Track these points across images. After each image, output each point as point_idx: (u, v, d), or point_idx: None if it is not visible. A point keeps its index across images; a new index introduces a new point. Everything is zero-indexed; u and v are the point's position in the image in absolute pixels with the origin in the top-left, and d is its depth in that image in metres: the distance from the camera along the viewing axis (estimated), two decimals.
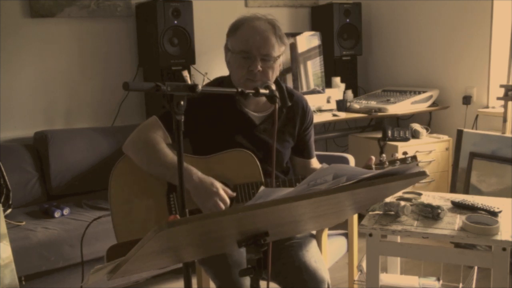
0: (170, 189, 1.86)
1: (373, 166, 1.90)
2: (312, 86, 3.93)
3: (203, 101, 1.86)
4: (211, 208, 1.76)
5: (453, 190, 3.21)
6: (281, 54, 1.88)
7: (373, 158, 1.90)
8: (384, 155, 1.95)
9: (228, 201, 1.78)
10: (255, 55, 1.82)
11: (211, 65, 3.79)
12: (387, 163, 1.90)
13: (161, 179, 1.84)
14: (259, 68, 1.82)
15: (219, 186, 1.77)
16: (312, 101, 3.62)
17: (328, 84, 4.05)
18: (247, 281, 1.72)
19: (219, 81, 2.00)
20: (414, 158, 1.95)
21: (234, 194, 1.82)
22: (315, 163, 2.12)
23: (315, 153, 2.13)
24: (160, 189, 1.85)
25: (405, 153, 1.98)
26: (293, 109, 1.99)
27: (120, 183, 1.85)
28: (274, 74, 1.88)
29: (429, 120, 4.05)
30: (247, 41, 1.83)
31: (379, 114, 3.68)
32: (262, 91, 1.61)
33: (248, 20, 1.87)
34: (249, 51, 1.82)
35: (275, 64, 1.86)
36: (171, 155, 1.82)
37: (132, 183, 1.86)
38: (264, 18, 1.89)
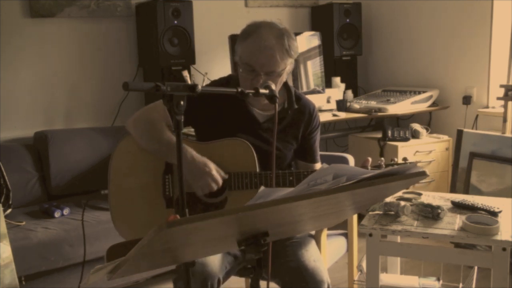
0: (166, 170, 1.90)
1: (369, 168, 1.90)
2: (312, 86, 3.93)
3: (210, 95, 1.87)
4: (202, 187, 1.80)
5: (453, 190, 3.20)
6: (288, 65, 1.88)
7: (370, 159, 1.90)
8: (382, 158, 1.95)
9: (220, 181, 1.81)
10: (258, 71, 1.82)
11: (211, 65, 3.79)
12: (383, 166, 1.90)
13: (157, 156, 1.89)
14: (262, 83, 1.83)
15: (212, 166, 1.81)
16: (312, 101, 3.61)
17: (328, 84, 4.05)
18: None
19: (227, 79, 2.02)
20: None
21: (227, 176, 1.85)
22: (319, 167, 2.12)
23: (319, 158, 2.13)
24: (157, 169, 1.90)
25: (405, 159, 1.98)
26: (299, 112, 2.01)
27: (121, 158, 1.92)
28: (278, 85, 1.89)
29: (429, 120, 4.05)
30: (251, 57, 1.83)
31: (379, 114, 3.68)
32: (262, 91, 1.61)
33: (257, 31, 1.84)
34: (253, 66, 1.83)
35: (279, 77, 1.86)
36: (167, 133, 1.87)
37: (133, 160, 1.92)
38: (275, 27, 1.86)
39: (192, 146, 1.88)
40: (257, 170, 1.86)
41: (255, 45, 1.83)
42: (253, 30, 1.85)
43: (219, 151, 1.89)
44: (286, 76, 1.91)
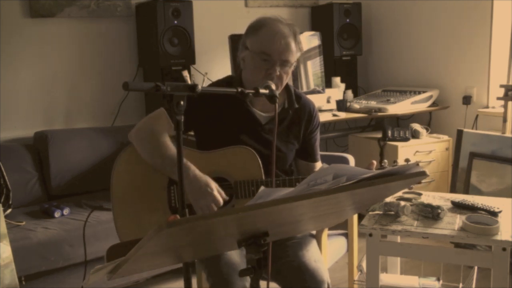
0: (171, 181, 1.88)
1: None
2: (312, 86, 3.93)
3: (211, 97, 1.87)
4: (202, 208, 1.78)
5: (453, 190, 3.20)
6: (296, 60, 1.89)
7: (375, 162, 1.88)
8: (386, 160, 1.95)
9: (221, 203, 1.79)
10: (275, 59, 1.82)
11: (211, 65, 3.79)
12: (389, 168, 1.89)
13: (160, 171, 1.86)
14: (277, 72, 1.82)
15: (214, 187, 1.78)
16: (313, 101, 3.62)
17: (328, 84, 4.05)
18: (239, 281, 1.73)
19: (227, 81, 2.01)
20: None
21: (227, 198, 1.82)
22: (319, 166, 2.12)
23: (319, 157, 2.12)
24: (161, 181, 1.87)
25: (407, 160, 1.97)
26: (299, 112, 2.00)
27: (123, 172, 1.88)
28: (287, 79, 1.89)
29: (429, 120, 4.05)
30: (269, 44, 1.82)
31: (379, 114, 3.68)
32: (262, 91, 1.61)
33: (271, 22, 1.85)
34: (270, 54, 1.82)
35: (290, 69, 1.87)
36: (172, 148, 1.84)
37: (135, 172, 1.88)
38: (285, 22, 1.87)
39: (195, 155, 1.86)
40: (263, 177, 1.85)
41: (271, 33, 1.82)
42: (265, 22, 1.86)
43: (224, 160, 1.87)
44: (290, 74, 1.91)
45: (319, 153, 2.13)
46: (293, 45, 1.84)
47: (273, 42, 1.81)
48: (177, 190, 1.87)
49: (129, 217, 1.87)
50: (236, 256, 1.80)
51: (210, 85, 2.17)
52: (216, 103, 1.90)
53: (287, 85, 1.98)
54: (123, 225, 1.87)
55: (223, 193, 1.81)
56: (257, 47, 1.84)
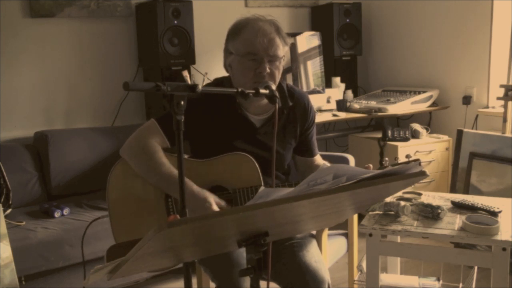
0: (168, 193, 1.86)
1: None
2: (312, 86, 3.93)
3: (203, 104, 1.85)
4: None
5: (453, 190, 3.21)
6: (284, 54, 1.87)
7: (371, 166, 1.85)
8: (387, 158, 1.94)
9: None
10: (262, 56, 1.79)
11: (211, 65, 3.79)
12: (389, 167, 1.89)
13: (156, 187, 1.84)
14: (268, 70, 1.80)
15: (212, 201, 1.76)
16: (312, 101, 3.61)
17: (328, 84, 4.05)
18: (246, 281, 1.72)
19: (219, 82, 1.98)
20: (417, 162, 1.94)
21: (229, 206, 1.81)
22: (318, 159, 2.10)
23: (317, 150, 2.11)
24: (158, 193, 1.84)
25: (408, 156, 1.97)
26: (294, 109, 1.97)
27: (118, 187, 1.84)
28: (279, 75, 1.87)
29: (429, 120, 4.05)
30: (253, 43, 1.79)
31: (379, 114, 3.68)
32: (262, 91, 1.60)
33: (251, 22, 1.84)
34: (256, 52, 1.79)
35: (280, 65, 1.85)
36: (167, 165, 1.81)
37: (130, 187, 1.85)
38: (265, 19, 1.86)
39: (192, 165, 1.84)
40: (262, 183, 1.83)
41: (253, 32, 1.80)
42: (245, 23, 1.84)
43: (221, 168, 1.84)
44: (281, 69, 1.89)
45: (316, 146, 2.10)
46: (277, 39, 1.81)
47: (257, 40, 1.79)
48: (175, 201, 1.84)
49: (127, 231, 1.83)
50: (240, 255, 1.79)
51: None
52: (209, 110, 1.87)
53: (279, 84, 1.92)
54: (121, 238, 1.84)
55: (223, 203, 1.79)
56: (241, 49, 1.82)
